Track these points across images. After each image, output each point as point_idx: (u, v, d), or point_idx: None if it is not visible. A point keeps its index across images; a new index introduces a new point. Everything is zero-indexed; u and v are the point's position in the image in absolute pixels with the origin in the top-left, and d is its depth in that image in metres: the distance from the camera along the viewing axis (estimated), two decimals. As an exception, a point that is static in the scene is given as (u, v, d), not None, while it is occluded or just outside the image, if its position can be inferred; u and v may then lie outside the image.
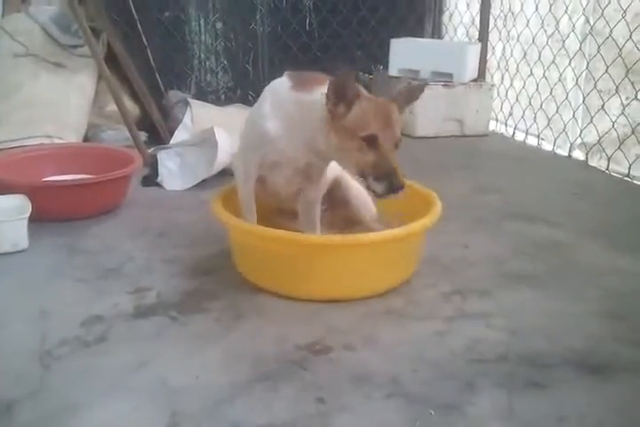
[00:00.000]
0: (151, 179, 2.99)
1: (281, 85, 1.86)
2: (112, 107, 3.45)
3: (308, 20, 4.26)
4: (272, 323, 1.76)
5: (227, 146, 2.89)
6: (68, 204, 2.46)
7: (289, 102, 1.82)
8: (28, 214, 2.20)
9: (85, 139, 3.51)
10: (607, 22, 3.33)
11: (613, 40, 3.29)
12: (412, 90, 1.88)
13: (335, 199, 2.12)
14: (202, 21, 4.19)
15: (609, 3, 3.31)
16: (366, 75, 4.48)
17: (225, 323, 1.76)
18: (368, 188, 1.73)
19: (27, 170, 2.71)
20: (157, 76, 3.99)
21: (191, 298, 1.89)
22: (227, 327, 1.73)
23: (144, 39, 3.94)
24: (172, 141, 3.38)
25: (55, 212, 2.42)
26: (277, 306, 1.86)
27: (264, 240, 1.88)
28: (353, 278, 1.89)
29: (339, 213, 2.13)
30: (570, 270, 2.15)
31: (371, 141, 1.68)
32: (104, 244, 2.30)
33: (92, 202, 2.52)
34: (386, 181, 1.66)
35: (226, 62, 4.29)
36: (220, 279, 2.01)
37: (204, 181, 2.93)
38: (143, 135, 3.46)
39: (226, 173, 2.94)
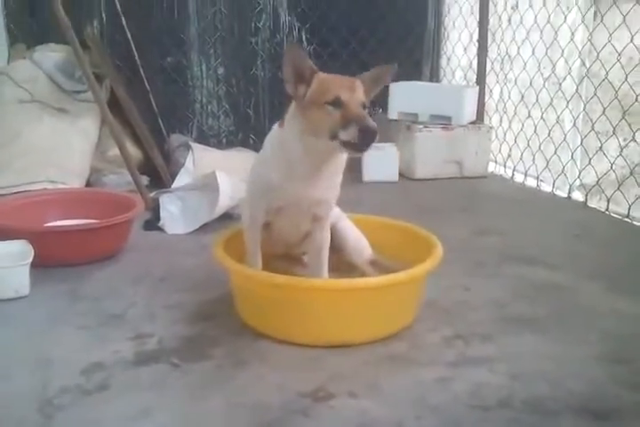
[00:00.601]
0: (153, 223, 3.01)
1: (274, 130, 1.94)
2: (114, 151, 3.49)
3: (308, 65, 4.34)
4: (274, 369, 1.75)
5: (228, 190, 2.92)
6: (70, 249, 2.47)
7: (278, 140, 1.89)
8: (29, 260, 2.20)
9: (88, 183, 3.54)
10: (603, 65, 3.40)
11: (609, 83, 3.35)
12: (378, 71, 1.88)
13: (332, 244, 2.14)
14: (204, 67, 4.28)
15: (604, 46, 3.37)
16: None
17: (226, 370, 1.75)
18: (344, 146, 1.71)
19: (30, 215, 2.73)
20: (160, 120, 4.06)
21: (193, 344, 1.89)
22: (228, 375, 1.72)
23: (147, 84, 4.02)
24: (173, 185, 3.40)
25: (57, 257, 2.43)
26: (279, 352, 1.85)
27: (265, 285, 1.89)
28: (354, 323, 1.89)
29: (336, 257, 2.14)
30: (570, 313, 2.15)
31: (336, 103, 1.71)
32: (106, 289, 2.30)
33: (94, 247, 2.53)
34: (356, 124, 1.66)
35: (227, 106, 4.36)
36: (222, 325, 2.01)
37: (205, 224, 2.95)
38: (145, 179, 3.49)
39: (227, 217, 2.97)
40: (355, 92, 1.75)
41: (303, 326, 1.89)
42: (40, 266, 2.26)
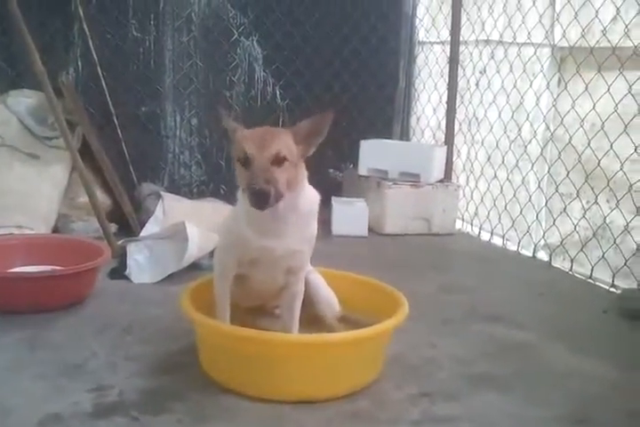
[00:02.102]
0: (119, 271, 2.97)
1: None
2: (83, 198, 3.48)
3: (281, 120, 4.41)
4: (237, 426, 1.72)
5: (197, 240, 2.91)
6: (34, 296, 2.43)
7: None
8: (-9, 307, 2.16)
9: (55, 229, 3.50)
10: (567, 130, 3.51)
11: (573, 147, 3.45)
12: (316, 120, 1.88)
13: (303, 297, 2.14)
14: (177, 117, 4.32)
15: (568, 112, 3.49)
16: (337, 172, 4.61)
17: (187, 425, 1.71)
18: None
19: (-6, 260, 2.69)
20: (131, 168, 4.05)
21: (154, 397, 1.85)
22: (190, 430, 1.69)
23: (119, 132, 4.03)
24: (142, 233, 3.39)
25: (20, 303, 2.39)
26: (243, 408, 1.82)
27: (231, 339, 1.88)
28: (320, 379, 1.87)
29: (305, 311, 2.13)
30: (534, 373, 2.17)
31: (245, 161, 1.76)
32: (68, 338, 2.25)
33: (58, 294, 2.49)
34: (248, 192, 1.72)
35: (199, 157, 4.39)
36: (185, 378, 1.98)
37: (172, 274, 2.93)
38: (113, 227, 3.47)
39: (196, 267, 2.95)
40: (266, 147, 1.76)
41: (268, 382, 1.87)
42: (2, 312, 2.22)
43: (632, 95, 3.07)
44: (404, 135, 4.96)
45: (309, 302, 2.17)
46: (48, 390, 1.87)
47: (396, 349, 2.13)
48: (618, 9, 3.17)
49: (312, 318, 2.20)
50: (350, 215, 4.00)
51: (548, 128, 3.79)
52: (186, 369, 2.03)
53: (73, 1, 3.84)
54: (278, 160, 1.76)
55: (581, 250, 3.36)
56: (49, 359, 2.07)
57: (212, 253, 2.34)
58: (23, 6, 3.41)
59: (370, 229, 4.07)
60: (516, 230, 3.91)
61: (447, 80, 4.45)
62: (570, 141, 3.47)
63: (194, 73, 4.29)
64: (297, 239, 1.93)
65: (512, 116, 4.01)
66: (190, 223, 2.97)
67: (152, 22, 4.13)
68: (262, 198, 1.70)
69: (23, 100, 3.69)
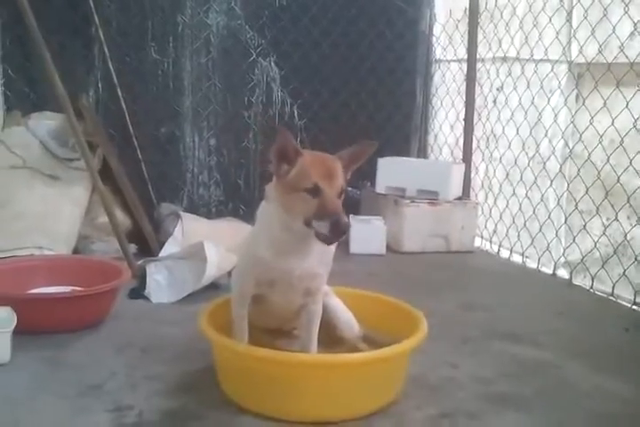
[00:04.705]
0: (138, 291, 2.99)
1: (262, 205, 1.97)
2: (104, 219, 3.50)
3: (299, 139, 4.43)
4: (255, 446, 1.72)
5: (216, 260, 2.93)
6: (54, 317, 2.44)
7: (264, 215, 1.93)
8: (12, 328, 2.18)
9: (76, 250, 3.53)
10: (585, 146, 3.49)
11: (592, 163, 3.43)
12: (359, 148, 1.91)
13: (322, 320, 2.12)
14: (196, 138, 4.36)
15: (586, 128, 3.47)
16: (355, 190, 4.62)
17: (207, 446, 1.71)
18: (316, 235, 1.74)
19: (15, 281, 2.71)
20: (150, 188, 4.10)
21: (173, 418, 1.85)
22: (209, 451, 1.69)
23: (139, 153, 4.08)
24: (161, 254, 3.41)
25: (40, 324, 2.40)
26: (261, 428, 1.82)
27: (249, 359, 1.87)
28: (339, 400, 1.86)
29: (324, 332, 2.12)
30: (555, 392, 2.13)
31: (314, 191, 1.74)
32: (88, 358, 2.26)
33: (78, 315, 2.50)
34: (329, 219, 1.69)
35: (218, 177, 4.42)
36: (204, 398, 1.97)
37: (191, 294, 2.93)
38: (133, 247, 3.49)
39: (214, 287, 2.96)
40: (334, 179, 1.77)
41: (286, 402, 1.86)
42: (23, 332, 2.23)
43: (651, 111, 3.07)
44: (422, 153, 4.96)
45: (329, 326, 2.17)
46: (68, 410, 1.87)
47: (416, 368, 2.12)
48: (635, 24, 3.17)
49: (332, 339, 2.19)
50: (368, 233, 4.00)
51: (566, 145, 3.78)
52: (204, 389, 2.03)
53: (93, 24, 3.91)
54: (340, 192, 1.79)
55: (602, 267, 3.33)
56: (68, 379, 2.08)
57: (230, 273, 2.35)
58: (44, 30, 3.47)
59: (388, 248, 4.06)
60: (535, 248, 3.88)
61: (464, 97, 4.46)
62: (589, 158, 3.45)
63: (212, 94, 4.34)
64: (316, 262, 1.93)
65: (530, 133, 4.00)
66: (209, 243, 2.99)
67: (171, 44, 4.20)
68: (345, 230, 1.70)
69: (44, 123, 3.75)
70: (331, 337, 2.17)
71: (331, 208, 1.72)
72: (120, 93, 4.00)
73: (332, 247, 1.95)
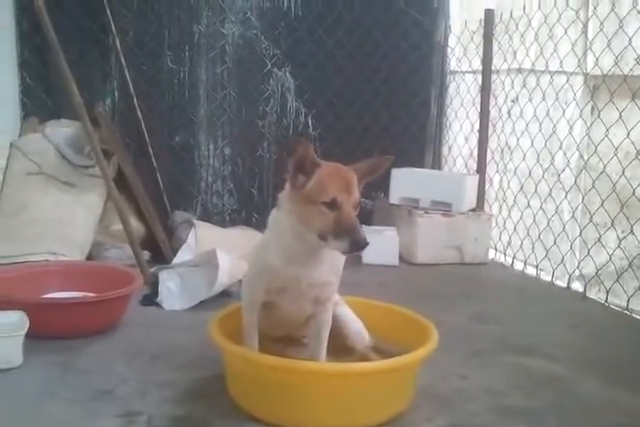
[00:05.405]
0: (151, 298, 3.00)
1: (273, 213, 1.97)
2: (118, 226, 3.52)
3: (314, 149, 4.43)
4: (264, 455, 1.72)
5: (228, 268, 2.93)
6: (66, 322, 2.46)
7: (275, 223, 1.93)
8: (24, 332, 2.19)
9: (90, 257, 3.55)
10: (600, 159, 3.47)
11: (607, 176, 3.41)
12: (376, 162, 1.91)
13: (331, 329, 2.12)
14: (211, 146, 4.38)
15: (601, 140, 3.46)
16: (368, 201, 4.62)
17: (215, 453, 1.71)
18: (330, 247, 1.75)
19: (29, 286, 2.73)
20: (165, 196, 4.12)
21: (182, 425, 1.86)
22: (217, 459, 1.68)
23: (154, 161, 4.11)
24: (174, 261, 3.42)
25: (52, 329, 2.41)
26: (270, 436, 1.81)
27: (259, 367, 1.87)
28: (348, 410, 1.85)
29: (334, 342, 2.12)
30: (567, 406, 2.11)
31: (331, 205, 1.73)
32: (99, 364, 2.27)
33: (90, 321, 2.52)
34: (348, 237, 1.69)
35: (232, 185, 4.44)
36: (214, 406, 1.97)
37: (203, 301, 2.94)
38: (146, 254, 3.51)
39: (226, 295, 2.97)
40: (352, 193, 1.77)
41: (295, 411, 1.85)
42: (35, 337, 2.25)
43: (667, 123, 3.05)
44: (436, 164, 4.95)
45: (339, 336, 2.16)
46: (77, 415, 1.88)
47: (427, 380, 2.11)
48: (651, 37, 3.16)
49: (342, 349, 2.18)
50: (381, 244, 3.97)
51: (581, 157, 3.75)
52: (214, 396, 2.03)
53: (110, 33, 3.96)
54: (357, 205, 1.79)
55: (617, 281, 3.30)
56: (79, 384, 2.09)
57: (241, 282, 2.35)
58: (62, 39, 3.52)
59: (401, 259, 4.05)
60: (549, 260, 3.86)
61: (479, 109, 4.45)
62: (604, 170, 3.43)
63: (227, 103, 4.36)
64: (326, 270, 1.92)
65: (545, 145, 3.98)
66: (221, 251, 2.99)
67: (187, 54, 4.23)
68: (363, 247, 1.70)
69: (61, 130, 3.78)
70: (340, 347, 2.16)
71: (348, 224, 1.71)
72: (136, 102, 4.03)
73: (343, 256, 1.95)
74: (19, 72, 3.90)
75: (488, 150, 4.45)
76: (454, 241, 4.10)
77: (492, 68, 4.40)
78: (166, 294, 3.01)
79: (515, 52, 4.24)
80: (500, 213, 4.40)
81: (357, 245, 1.69)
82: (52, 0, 3.60)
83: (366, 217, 4.43)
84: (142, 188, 3.81)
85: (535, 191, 4.03)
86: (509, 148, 4.33)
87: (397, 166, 4.31)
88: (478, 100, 4.48)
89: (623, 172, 3.28)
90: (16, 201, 3.50)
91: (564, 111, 3.84)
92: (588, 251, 3.55)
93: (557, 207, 3.86)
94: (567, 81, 3.83)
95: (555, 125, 3.90)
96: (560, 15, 3.83)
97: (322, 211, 1.74)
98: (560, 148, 3.87)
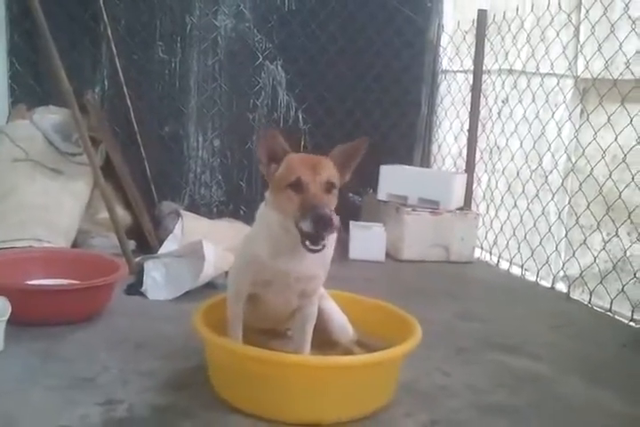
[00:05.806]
0: (135, 287, 2.99)
1: (261, 206, 1.96)
2: (104, 214, 3.50)
3: (302, 143, 4.44)
4: (243, 446, 1.71)
5: (213, 259, 2.92)
6: (49, 308, 2.44)
7: (263, 217, 1.92)
8: (6, 318, 2.17)
9: (75, 244, 3.53)
10: (588, 161, 3.49)
11: (594, 178, 3.43)
12: (352, 145, 1.87)
13: (316, 323, 2.12)
14: (200, 138, 4.37)
15: (589, 143, 3.48)
16: (357, 197, 4.62)
17: (195, 443, 1.70)
18: (302, 241, 1.69)
19: (12, 271, 2.71)
20: (152, 186, 4.11)
21: (163, 414, 1.84)
22: (197, 449, 1.68)
23: (142, 151, 4.09)
24: (160, 251, 3.40)
25: (35, 315, 2.40)
26: (250, 428, 1.81)
27: (241, 359, 1.86)
28: (330, 402, 1.85)
29: (318, 335, 2.12)
30: (549, 405, 2.12)
31: (297, 187, 1.72)
32: (80, 351, 2.26)
33: (73, 308, 2.50)
34: (310, 214, 1.63)
35: (220, 177, 4.43)
36: (195, 395, 1.97)
37: (188, 292, 2.93)
38: (132, 244, 3.49)
39: (211, 287, 2.96)
40: (318, 173, 1.74)
41: (276, 403, 1.85)
42: (17, 323, 2.23)
43: (655, 127, 3.07)
44: (425, 162, 4.96)
45: (323, 330, 2.16)
46: (58, 403, 1.87)
47: (409, 375, 2.11)
48: (642, 41, 3.18)
49: (326, 342, 2.18)
50: (368, 240, 4.00)
51: (569, 159, 3.77)
52: (196, 387, 2.02)
53: (102, 21, 3.93)
54: (328, 187, 1.75)
55: (601, 282, 3.32)
56: (60, 372, 2.07)
57: (227, 273, 2.35)
58: (53, 26, 3.49)
59: (387, 255, 4.06)
60: (534, 261, 3.87)
61: (469, 108, 4.47)
62: (591, 173, 3.45)
63: (218, 95, 4.35)
64: (314, 264, 1.91)
65: (533, 146, 3.99)
66: (208, 243, 2.99)
67: (178, 45, 4.21)
68: (329, 223, 1.62)
69: (49, 117, 3.75)
70: (325, 340, 2.16)
71: (312, 203, 1.67)
72: (126, 91, 4.01)
73: (331, 250, 1.94)
74: (8, 58, 3.87)
75: (477, 150, 4.47)
76: (441, 239, 4.11)
77: (484, 68, 4.41)
78: (151, 283, 3.00)
79: (506, 54, 4.26)
80: (487, 212, 4.41)
81: (320, 220, 1.61)
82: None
83: (354, 213, 4.44)
84: (130, 177, 3.79)
85: (522, 192, 4.05)
86: (498, 148, 4.35)
87: (386, 163, 4.32)
88: (469, 99, 4.50)
89: (610, 175, 3.30)
90: (2, 187, 3.47)
91: (553, 113, 3.86)
92: (574, 252, 3.57)
93: (544, 208, 3.88)
94: (557, 83, 3.84)
95: (544, 127, 3.91)
96: (552, 18, 3.85)
97: (289, 194, 1.73)
98: (548, 149, 3.89)
